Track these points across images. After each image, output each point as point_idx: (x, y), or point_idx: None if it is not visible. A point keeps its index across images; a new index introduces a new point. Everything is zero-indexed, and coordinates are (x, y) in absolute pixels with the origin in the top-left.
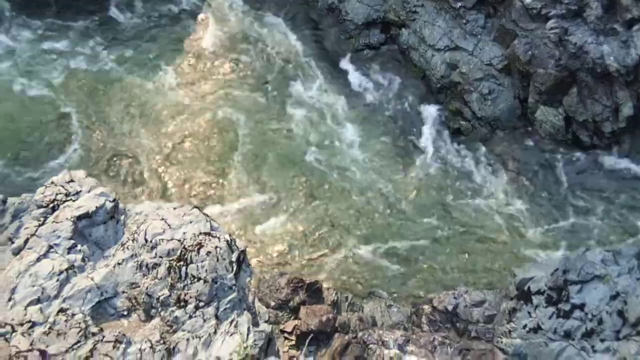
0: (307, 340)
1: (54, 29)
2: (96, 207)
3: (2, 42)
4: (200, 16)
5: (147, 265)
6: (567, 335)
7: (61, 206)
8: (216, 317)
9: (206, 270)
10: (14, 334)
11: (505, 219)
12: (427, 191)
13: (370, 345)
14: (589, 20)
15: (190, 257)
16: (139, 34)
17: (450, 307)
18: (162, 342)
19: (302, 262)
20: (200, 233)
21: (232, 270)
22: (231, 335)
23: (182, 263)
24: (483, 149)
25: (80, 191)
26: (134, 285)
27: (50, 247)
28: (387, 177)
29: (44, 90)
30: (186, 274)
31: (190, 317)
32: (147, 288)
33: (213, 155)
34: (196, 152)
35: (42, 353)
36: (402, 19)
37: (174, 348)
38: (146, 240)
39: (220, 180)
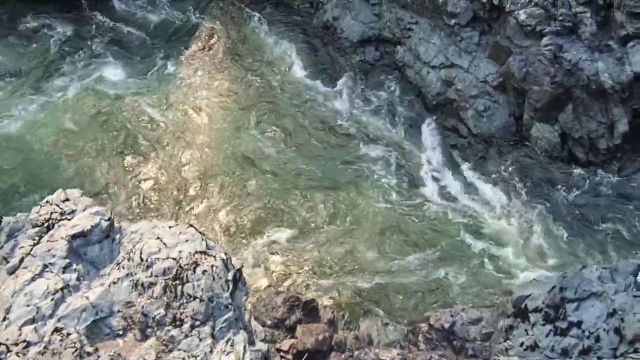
0: None
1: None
2: (91, 225)
3: None
4: (188, 37)
5: (142, 284)
6: (564, 353)
7: (56, 225)
8: (212, 336)
9: (202, 289)
10: (8, 354)
11: (501, 235)
12: (422, 207)
13: None
14: (584, 37)
15: (186, 276)
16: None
17: (447, 325)
18: None
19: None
20: (196, 252)
21: (228, 289)
22: (227, 354)
23: (177, 282)
24: (479, 165)
25: (76, 210)
26: (129, 305)
27: (45, 266)
28: (382, 194)
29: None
30: (182, 293)
31: (186, 336)
32: (142, 307)
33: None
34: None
35: None
36: (397, 36)
37: None
38: (142, 259)
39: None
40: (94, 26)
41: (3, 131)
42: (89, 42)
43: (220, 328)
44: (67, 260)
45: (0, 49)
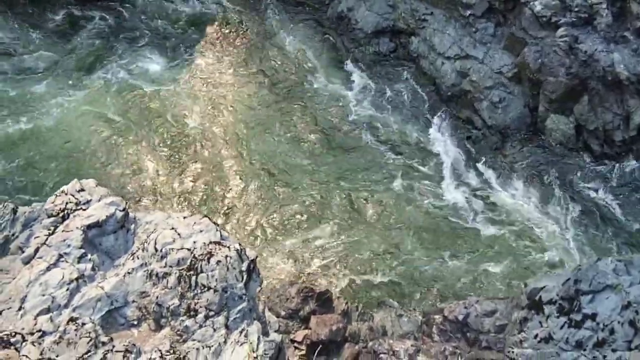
0: (316, 352)
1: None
2: (106, 216)
3: None
4: (209, 28)
5: (157, 274)
6: (579, 345)
7: (71, 215)
8: (226, 326)
9: (216, 280)
10: (24, 343)
11: (517, 226)
12: (437, 200)
13: (381, 355)
14: (599, 28)
15: (201, 266)
16: (155, 41)
17: (461, 317)
18: (172, 351)
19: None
20: (210, 242)
21: (242, 279)
22: (241, 344)
23: (192, 272)
24: (494, 157)
25: (91, 200)
26: (144, 295)
27: (61, 256)
28: (395, 187)
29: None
30: (196, 283)
31: (201, 326)
32: (157, 297)
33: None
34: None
35: None
36: (411, 27)
37: (184, 358)
38: (156, 250)
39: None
40: (120, 17)
41: (43, 123)
42: (118, 34)
43: (234, 318)
44: (82, 250)
45: (36, 42)
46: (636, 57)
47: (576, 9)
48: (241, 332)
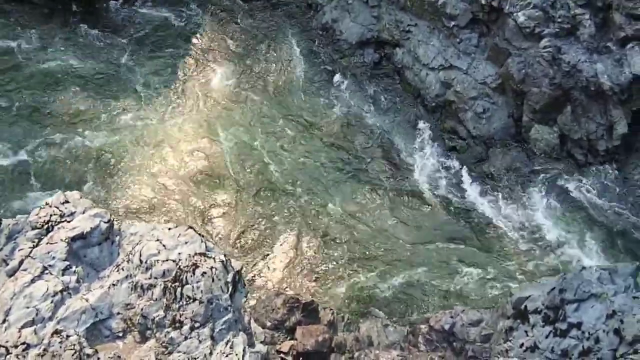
0: None
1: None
2: (91, 227)
3: None
4: (196, 37)
5: (142, 286)
6: (564, 354)
7: (56, 227)
8: (212, 338)
9: (201, 291)
10: (8, 356)
11: (501, 236)
12: (422, 210)
13: None
14: (582, 38)
15: (186, 277)
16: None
17: (447, 327)
18: None
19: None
20: (196, 254)
21: (228, 290)
22: (227, 356)
23: (177, 284)
24: (478, 167)
25: (75, 212)
26: (129, 307)
27: (45, 268)
28: (379, 195)
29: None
30: (181, 294)
31: (186, 338)
32: (142, 309)
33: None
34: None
35: None
36: (396, 38)
37: None
38: (141, 261)
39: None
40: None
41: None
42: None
43: (220, 330)
44: (67, 262)
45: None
46: (619, 68)
47: (559, 20)
48: (227, 344)
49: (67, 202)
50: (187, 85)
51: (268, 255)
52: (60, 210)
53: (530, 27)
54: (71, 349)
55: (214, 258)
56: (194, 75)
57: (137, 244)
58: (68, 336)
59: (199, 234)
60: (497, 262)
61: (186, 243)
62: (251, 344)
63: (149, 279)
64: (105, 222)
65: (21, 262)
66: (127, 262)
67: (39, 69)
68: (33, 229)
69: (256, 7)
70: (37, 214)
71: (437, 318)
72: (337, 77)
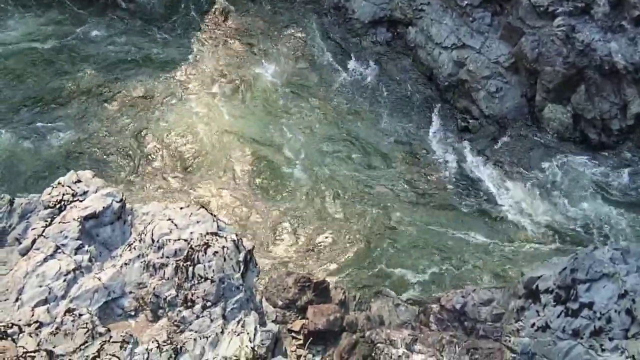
0: (308, 342)
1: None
2: (103, 207)
3: None
4: (210, 17)
5: (154, 265)
6: (576, 334)
7: (68, 206)
8: (223, 317)
9: (213, 270)
10: (21, 334)
11: (513, 216)
12: (435, 190)
13: (378, 345)
14: (596, 17)
15: (197, 257)
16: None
17: (458, 306)
18: (169, 342)
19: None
20: (207, 233)
21: (239, 270)
22: (238, 335)
23: (189, 263)
24: (491, 146)
25: (87, 191)
26: (141, 286)
27: (58, 247)
28: (395, 176)
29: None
30: (193, 274)
31: (198, 317)
32: (154, 288)
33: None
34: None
35: (50, 353)
36: (408, 17)
37: (181, 348)
38: (153, 241)
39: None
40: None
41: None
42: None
43: (232, 309)
44: (79, 242)
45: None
46: (633, 46)
47: None
48: (238, 323)
49: (79, 181)
50: (198, 65)
51: (280, 235)
52: (72, 190)
53: (544, 5)
54: (84, 328)
55: (225, 237)
56: (205, 57)
57: (149, 223)
58: (80, 315)
59: (211, 213)
60: (509, 241)
61: (198, 222)
62: (262, 323)
63: (161, 258)
64: (117, 202)
65: (34, 242)
66: (139, 241)
67: (101, 55)
68: (46, 208)
69: None
70: (49, 193)
71: (448, 297)
72: (349, 57)
